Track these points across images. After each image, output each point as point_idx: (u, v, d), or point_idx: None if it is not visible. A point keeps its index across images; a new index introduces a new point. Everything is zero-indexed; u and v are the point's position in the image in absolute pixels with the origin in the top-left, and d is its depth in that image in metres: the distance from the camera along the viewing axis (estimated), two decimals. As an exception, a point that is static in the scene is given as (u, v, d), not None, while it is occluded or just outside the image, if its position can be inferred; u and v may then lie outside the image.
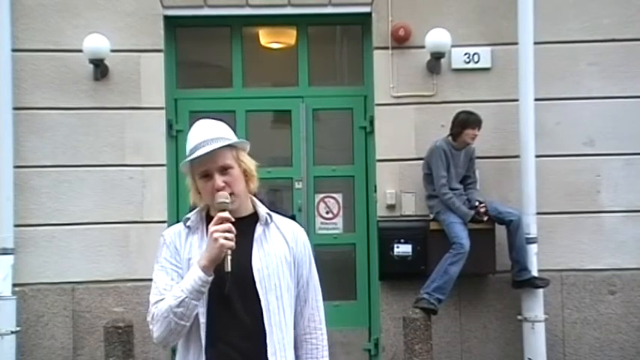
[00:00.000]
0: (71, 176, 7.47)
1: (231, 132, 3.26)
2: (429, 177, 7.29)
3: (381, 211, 7.56)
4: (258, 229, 3.23)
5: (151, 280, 7.39)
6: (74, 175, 7.47)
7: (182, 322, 3.06)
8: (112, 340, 6.76)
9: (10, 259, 7.23)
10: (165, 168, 7.56)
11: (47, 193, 7.43)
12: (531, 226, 7.31)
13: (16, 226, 7.31)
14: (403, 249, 7.38)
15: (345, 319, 7.73)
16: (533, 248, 7.29)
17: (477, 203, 7.15)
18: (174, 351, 3.95)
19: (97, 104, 7.48)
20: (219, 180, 3.14)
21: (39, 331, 7.34)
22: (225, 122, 3.29)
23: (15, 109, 7.36)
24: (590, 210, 7.60)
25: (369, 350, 7.76)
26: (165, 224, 7.48)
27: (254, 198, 3.31)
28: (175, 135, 7.75)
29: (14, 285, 7.23)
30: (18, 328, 7.19)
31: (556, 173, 7.55)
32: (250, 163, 3.24)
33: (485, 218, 7.14)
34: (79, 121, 7.47)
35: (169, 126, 7.69)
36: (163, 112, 7.59)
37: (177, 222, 7.67)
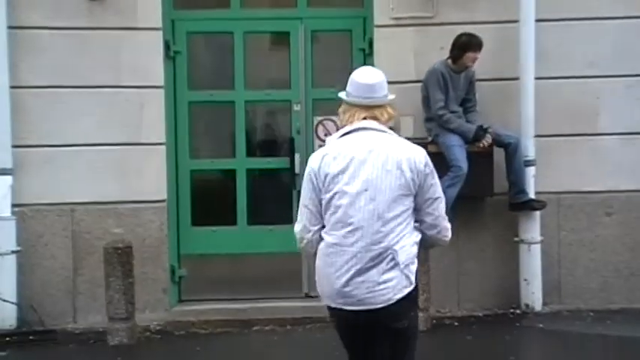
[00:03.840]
0: (67, 97, 7.42)
1: None
2: (427, 100, 7.26)
3: (380, 134, 7.53)
4: None
5: (148, 201, 7.40)
6: (71, 97, 7.42)
7: None
8: (112, 261, 6.81)
9: (8, 179, 7.25)
10: (162, 90, 7.51)
11: (44, 114, 7.39)
12: (530, 148, 7.33)
13: (14, 147, 7.31)
14: (401, 171, 7.38)
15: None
16: (531, 171, 7.33)
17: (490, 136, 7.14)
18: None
19: (92, 24, 7.39)
20: None
21: (39, 251, 7.40)
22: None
23: (10, 27, 7.27)
24: (589, 133, 7.59)
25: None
26: (164, 146, 7.49)
27: None
28: (173, 56, 7.69)
29: (13, 205, 7.27)
30: (18, 248, 7.25)
31: (555, 96, 7.51)
32: None
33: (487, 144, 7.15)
34: (75, 41, 7.39)
35: (167, 47, 7.61)
36: (160, 32, 7.50)
37: (176, 144, 7.68)
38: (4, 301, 7.12)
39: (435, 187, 3.79)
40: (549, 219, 7.53)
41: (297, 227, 3.85)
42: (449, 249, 7.46)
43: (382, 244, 3.63)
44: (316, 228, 3.78)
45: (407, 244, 3.69)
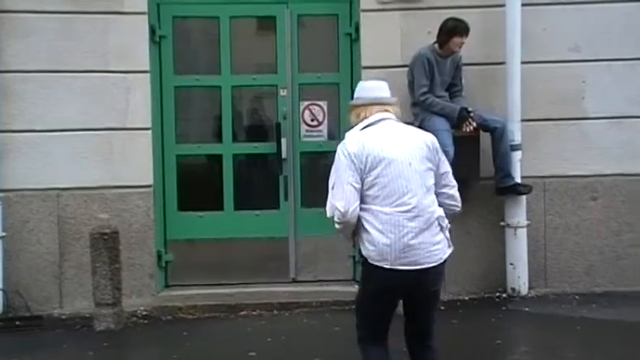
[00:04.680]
0: (53, 82, 7.38)
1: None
2: (413, 84, 7.26)
3: (366, 119, 7.53)
4: None
5: (134, 186, 7.40)
6: (57, 81, 7.38)
7: None
8: (98, 247, 6.80)
9: (-7, 163, 7.24)
10: (148, 75, 7.49)
11: (29, 98, 7.35)
12: (516, 133, 7.34)
13: (-1, 131, 7.29)
14: (388, 155, 7.38)
15: (331, 226, 7.75)
16: (517, 155, 7.34)
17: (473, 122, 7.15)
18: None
19: (78, 8, 7.34)
20: None
21: (25, 236, 7.37)
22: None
23: (-5, 11, 7.24)
24: (574, 117, 7.61)
25: (354, 257, 7.82)
26: (150, 131, 7.46)
27: None
28: (159, 41, 7.66)
29: (-2, 190, 7.26)
30: (4, 234, 7.23)
31: (541, 80, 7.52)
32: None
33: (472, 127, 7.15)
34: (61, 25, 7.34)
35: (152, 31, 7.58)
36: (146, 17, 7.47)
37: (162, 129, 7.67)
38: (-10, 286, 7.13)
39: (446, 162, 4.43)
40: (535, 203, 7.56)
41: (340, 203, 4.23)
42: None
43: (430, 209, 4.22)
44: (357, 203, 4.22)
45: (442, 210, 4.31)
